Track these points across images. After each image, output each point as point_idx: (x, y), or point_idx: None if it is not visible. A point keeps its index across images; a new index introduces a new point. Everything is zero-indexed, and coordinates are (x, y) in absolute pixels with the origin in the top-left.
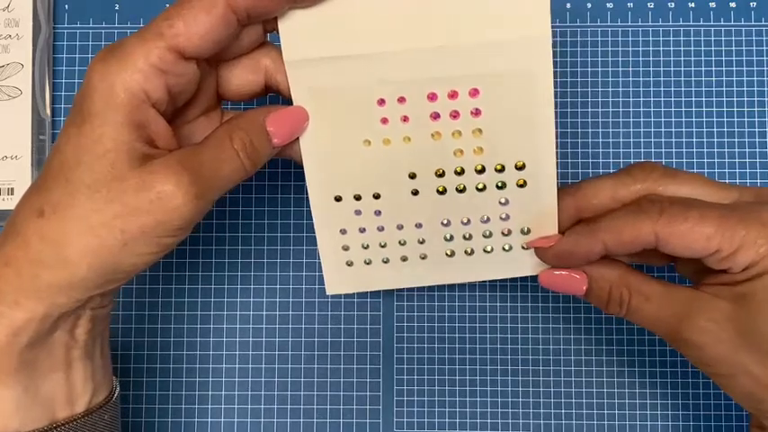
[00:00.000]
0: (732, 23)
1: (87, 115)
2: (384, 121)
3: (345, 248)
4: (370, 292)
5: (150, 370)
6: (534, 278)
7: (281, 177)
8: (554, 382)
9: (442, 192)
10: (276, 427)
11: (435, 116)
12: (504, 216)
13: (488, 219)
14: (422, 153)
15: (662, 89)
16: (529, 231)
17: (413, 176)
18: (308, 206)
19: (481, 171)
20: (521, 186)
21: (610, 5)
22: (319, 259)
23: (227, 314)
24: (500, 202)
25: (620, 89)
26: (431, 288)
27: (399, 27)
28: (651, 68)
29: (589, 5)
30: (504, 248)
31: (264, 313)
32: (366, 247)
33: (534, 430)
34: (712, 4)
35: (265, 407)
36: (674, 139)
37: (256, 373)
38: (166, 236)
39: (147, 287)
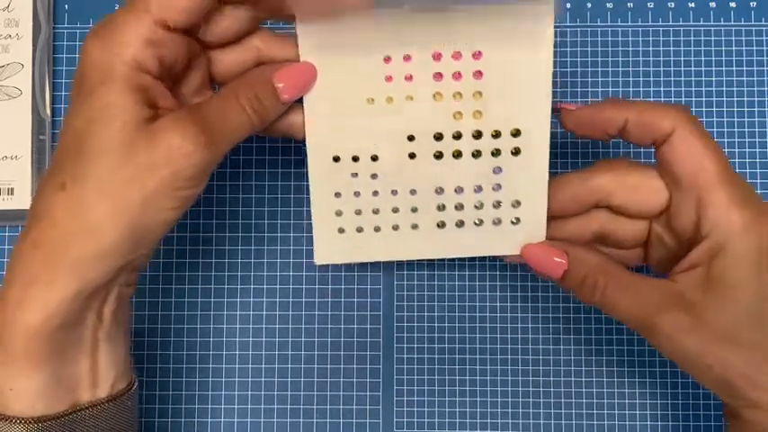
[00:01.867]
0: (732, 23)
1: (90, 88)
2: (389, 78)
3: (338, 214)
4: (370, 291)
5: (150, 370)
6: (535, 278)
7: (281, 177)
8: (554, 382)
9: (439, 156)
10: (276, 427)
11: (438, 76)
12: (495, 186)
13: (481, 188)
14: (422, 114)
15: (662, 89)
16: (519, 204)
17: (411, 138)
18: (309, 206)
19: (478, 137)
20: (514, 154)
21: (610, 5)
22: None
23: (227, 314)
24: (493, 171)
25: (620, 89)
26: (431, 288)
27: None
28: (651, 68)
29: (589, 5)
30: (493, 222)
31: (264, 313)
32: (359, 213)
33: (534, 430)
34: (712, 4)
35: (265, 407)
36: None
37: (256, 373)
38: (183, 188)
39: (147, 287)
